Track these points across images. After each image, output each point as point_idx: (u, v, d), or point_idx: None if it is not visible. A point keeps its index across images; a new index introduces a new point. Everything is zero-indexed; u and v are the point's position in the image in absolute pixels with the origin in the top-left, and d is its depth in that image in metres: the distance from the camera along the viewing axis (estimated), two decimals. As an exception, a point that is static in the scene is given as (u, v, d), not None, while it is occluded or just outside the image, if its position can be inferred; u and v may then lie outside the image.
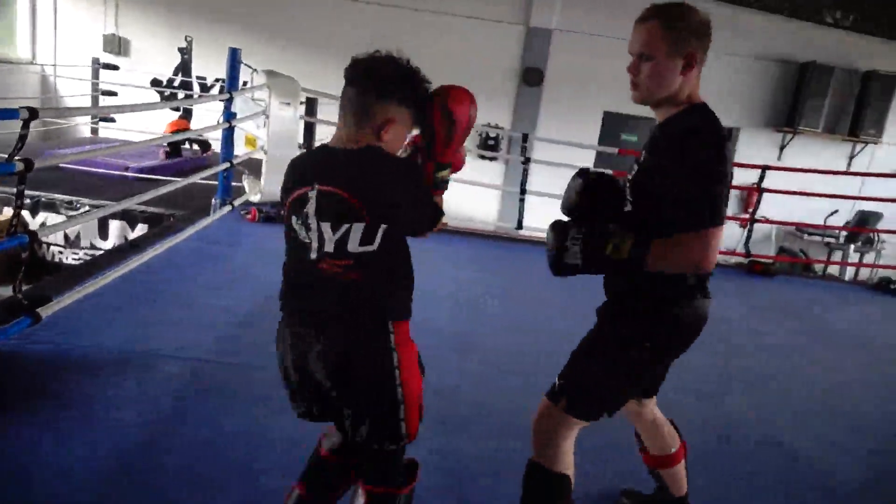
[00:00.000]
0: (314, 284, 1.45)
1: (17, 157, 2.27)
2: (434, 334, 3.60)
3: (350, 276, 1.42)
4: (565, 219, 1.71)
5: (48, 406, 2.38)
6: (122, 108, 8.17)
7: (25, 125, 2.29)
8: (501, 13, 9.26)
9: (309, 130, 5.98)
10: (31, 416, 2.31)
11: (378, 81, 1.46)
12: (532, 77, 9.28)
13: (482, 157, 9.45)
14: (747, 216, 6.73)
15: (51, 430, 2.24)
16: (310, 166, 1.51)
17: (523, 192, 6.04)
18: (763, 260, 6.19)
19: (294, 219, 1.46)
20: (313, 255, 1.43)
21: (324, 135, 7.22)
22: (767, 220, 7.13)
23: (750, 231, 6.20)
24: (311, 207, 1.42)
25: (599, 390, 1.70)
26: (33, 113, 2.32)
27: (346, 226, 1.39)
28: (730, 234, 9.31)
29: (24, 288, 2.83)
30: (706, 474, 2.45)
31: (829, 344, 4.45)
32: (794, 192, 6.34)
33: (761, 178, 6.00)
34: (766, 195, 8.26)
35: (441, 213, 1.60)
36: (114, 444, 2.22)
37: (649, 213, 1.61)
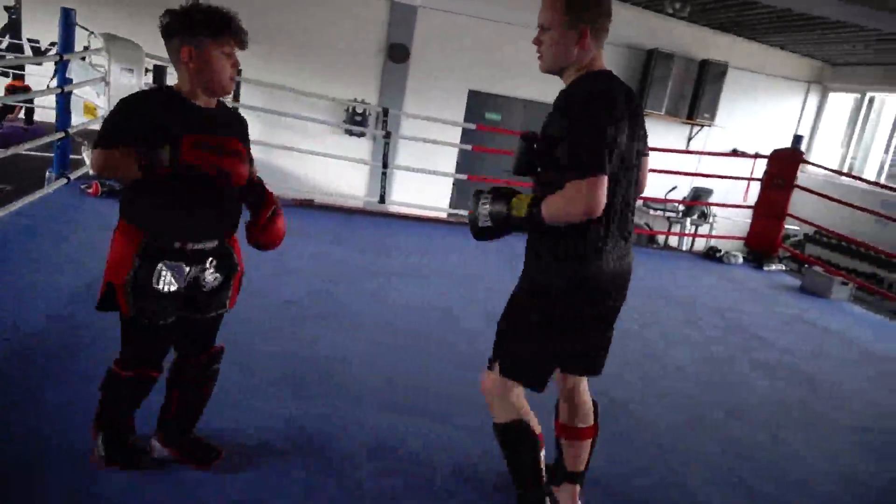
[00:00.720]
0: None
1: None
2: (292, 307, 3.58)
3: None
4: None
5: None
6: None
7: None
8: (365, -13, 9.14)
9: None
10: None
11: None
12: (397, 53, 9.26)
13: (349, 132, 9.34)
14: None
15: None
16: None
17: (385, 165, 6.06)
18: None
19: None
20: None
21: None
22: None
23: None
24: None
25: (521, 349, 1.85)
26: None
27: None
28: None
29: None
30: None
31: (657, 303, 4.90)
32: (637, 169, 6.83)
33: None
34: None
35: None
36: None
37: (549, 171, 1.74)
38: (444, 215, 7.74)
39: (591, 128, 1.64)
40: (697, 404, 3.26)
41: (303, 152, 7.77)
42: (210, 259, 1.93)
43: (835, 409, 3.50)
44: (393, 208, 7.48)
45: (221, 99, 1.95)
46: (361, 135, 9.40)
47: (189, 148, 1.71)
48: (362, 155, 9.26)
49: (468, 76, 9.61)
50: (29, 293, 3.15)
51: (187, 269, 1.87)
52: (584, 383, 2.08)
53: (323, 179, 8.95)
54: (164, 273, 1.83)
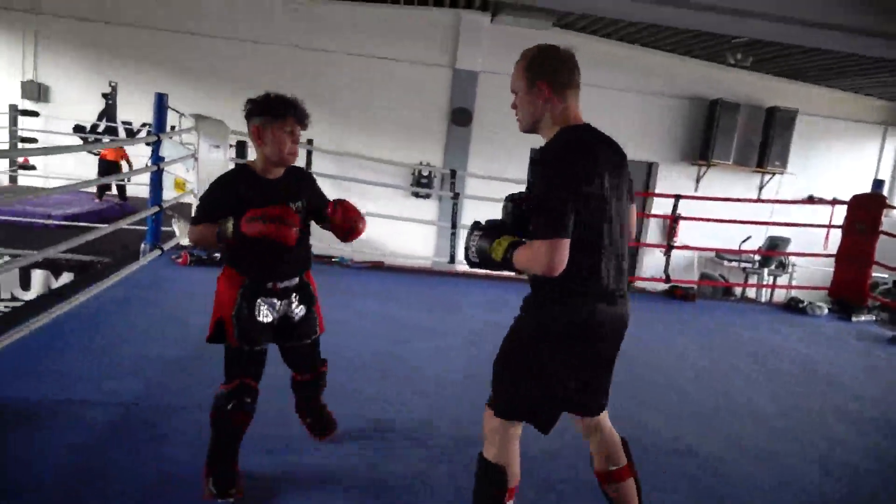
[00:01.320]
0: None
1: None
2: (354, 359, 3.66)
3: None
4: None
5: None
6: (47, 151, 7.99)
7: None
8: (430, 56, 9.57)
9: (240, 173, 5.99)
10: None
11: None
12: (461, 117, 9.57)
13: (416, 195, 9.62)
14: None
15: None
16: None
17: (454, 226, 6.20)
18: (683, 285, 6.52)
19: None
20: None
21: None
22: (684, 247, 7.53)
23: (668, 257, 6.54)
24: None
25: (511, 389, 1.89)
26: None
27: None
28: (654, 262, 9.76)
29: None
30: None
31: (738, 355, 4.73)
32: (707, 220, 6.74)
33: (675, 206, 6.36)
34: (686, 226, 8.76)
35: None
36: (31, 500, 2.16)
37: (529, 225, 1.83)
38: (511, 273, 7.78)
39: (559, 186, 1.72)
40: (785, 460, 3.11)
41: (372, 216, 8.04)
42: (294, 294, 2.41)
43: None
44: (460, 268, 7.59)
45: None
46: (427, 196, 9.66)
47: (245, 222, 2.11)
48: (429, 216, 9.52)
49: (530, 135, 9.79)
50: (128, 361, 3.35)
51: (278, 303, 2.35)
52: (603, 422, 2.05)
53: (392, 242, 9.19)
54: (262, 307, 2.30)
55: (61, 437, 2.54)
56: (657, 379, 4.07)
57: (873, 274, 9.36)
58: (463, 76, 9.59)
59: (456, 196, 6.30)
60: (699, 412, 3.59)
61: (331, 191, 9.01)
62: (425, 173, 9.64)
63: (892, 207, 7.22)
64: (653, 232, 10.41)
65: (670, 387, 3.95)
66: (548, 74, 1.86)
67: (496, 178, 7.33)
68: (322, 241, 7.40)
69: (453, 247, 6.27)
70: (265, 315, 2.31)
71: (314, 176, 2.59)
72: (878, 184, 6.62)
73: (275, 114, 2.23)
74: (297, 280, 2.40)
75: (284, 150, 2.25)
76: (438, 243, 9.52)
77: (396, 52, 9.45)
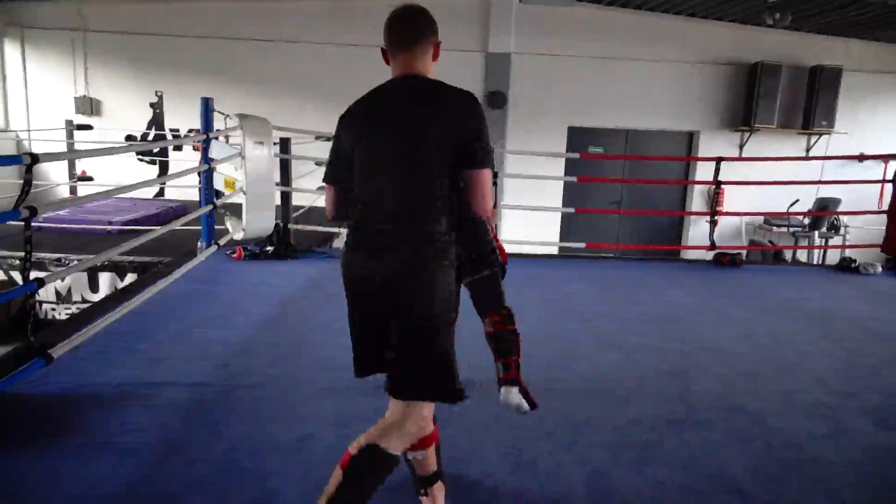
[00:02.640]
0: None
1: (24, 205, 2.46)
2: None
3: None
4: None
5: (65, 438, 2.54)
6: (107, 151, 8.38)
7: (28, 170, 2.49)
8: (460, 42, 9.62)
9: (285, 168, 6.20)
10: (49, 447, 2.47)
11: None
12: (496, 100, 9.62)
13: (456, 180, 9.74)
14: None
15: (70, 458, 2.40)
16: None
17: (495, 205, 6.28)
18: (729, 251, 6.47)
19: None
20: None
21: (299, 171, 7.46)
22: (728, 213, 7.46)
23: (712, 225, 6.49)
24: None
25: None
26: (34, 158, 2.52)
27: None
28: (699, 232, 9.65)
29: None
30: (678, 442, 2.68)
31: (789, 316, 4.70)
32: (750, 182, 6.66)
33: (716, 170, 6.29)
34: (731, 193, 8.65)
35: None
36: (131, 465, 2.38)
37: None
38: (555, 250, 7.84)
39: (334, 139, 1.96)
40: (838, 413, 3.12)
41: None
42: None
43: None
44: (506, 248, 7.67)
45: None
46: (468, 181, 9.78)
47: None
48: (470, 200, 9.62)
49: (566, 113, 9.79)
50: (196, 349, 3.59)
51: None
52: (390, 402, 1.93)
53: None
54: None
55: (152, 414, 2.77)
56: (703, 342, 4.11)
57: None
58: (496, 59, 9.62)
59: (496, 175, 6.36)
60: (748, 371, 3.62)
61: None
62: (464, 158, 9.75)
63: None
64: (696, 201, 10.26)
65: (717, 349, 3.99)
66: (384, 41, 1.96)
67: (536, 152, 7.37)
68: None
69: (496, 227, 6.35)
70: None
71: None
72: (928, 136, 6.41)
73: None
74: None
75: None
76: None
77: (429, 40, 9.56)
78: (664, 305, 4.96)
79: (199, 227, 5.59)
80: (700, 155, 9.83)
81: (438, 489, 2.15)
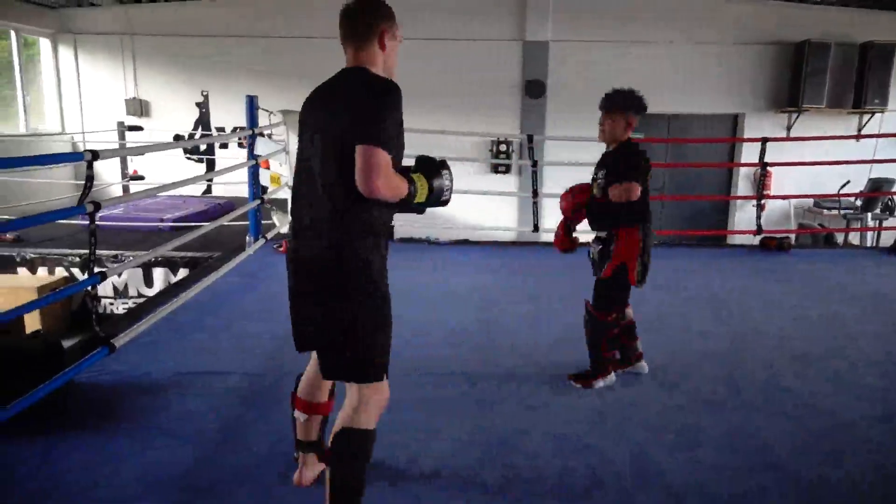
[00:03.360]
0: None
1: (87, 200, 2.61)
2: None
3: None
4: None
5: (126, 424, 2.69)
6: (156, 147, 8.66)
7: (90, 166, 2.63)
8: (498, 32, 9.62)
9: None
10: (112, 433, 2.61)
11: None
12: (534, 89, 9.58)
13: (495, 169, 9.76)
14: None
15: (130, 443, 2.55)
16: None
17: (535, 194, 6.28)
18: (776, 235, 6.33)
19: None
20: None
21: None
22: (775, 196, 7.29)
23: (758, 208, 6.36)
24: None
25: None
26: (95, 154, 2.66)
27: None
28: (746, 216, 9.44)
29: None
30: (719, 421, 2.68)
31: (839, 300, 4.59)
32: (798, 163, 6.49)
33: (762, 152, 6.15)
34: (779, 176, 8.44)
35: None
36: (185, 453, 2.51)
37: None
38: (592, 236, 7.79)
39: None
40: (887, 394, 3.07)
41: (455, 193, 8.24)
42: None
43: None
44: (545, 237, 7.67)
45: None
46: (507, 171, 9.77)
47: None
48: (509, 189, 9.62)
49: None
50: (247, 340, 3.72)
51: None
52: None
53: (475, 218, 9.37)
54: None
55: (205, 402, 2.91)
56: (750, 325, 4.06)
57: None
58: (533, 48, 9.57)
59: (535, 164, 6.37)
60: (797, 355, 3.58)
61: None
62: (503, 149, 9.74)
63: None
64: (742, 185, 10.04)
65: (765, 332, 3.94)
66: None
67: (574, 138, 7.27)
68: (405, 223, 7.68)
69: (536, 215, 6.35)
70: None
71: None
72: None
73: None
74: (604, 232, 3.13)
75: None
76: (520, 215, 9.62)
77: (468, 31, 9.55)
78: (710, 290, 4.91)
79: (247, 223, 5.76)
80: (747, 136, 9.60)
81: (311, 459, 2.26)
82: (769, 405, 2.94)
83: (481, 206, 9.25)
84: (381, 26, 1.96)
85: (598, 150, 3.22)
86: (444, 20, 9.53)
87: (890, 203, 8.70)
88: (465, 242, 6.78)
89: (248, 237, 5.64)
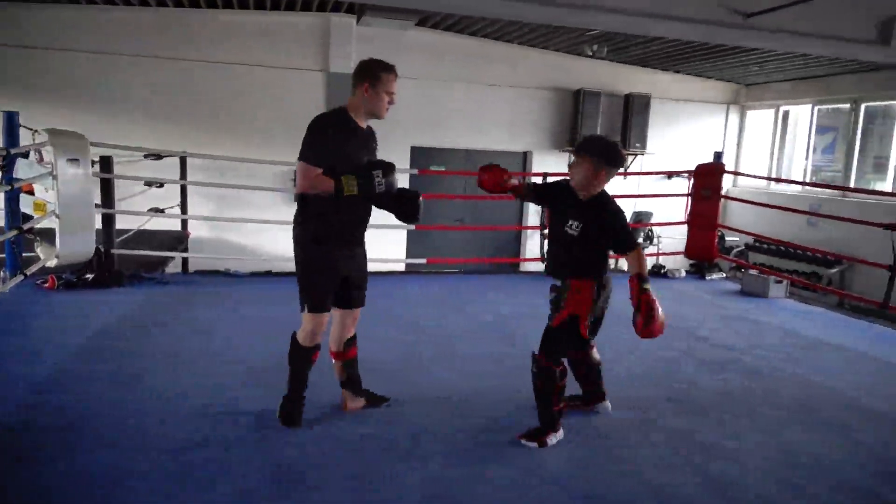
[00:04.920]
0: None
1: None
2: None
3: None
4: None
5: None
6: None
7: None
8: (302, 61, 9.56)
9: (106, 188, 5.75)
10: None
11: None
12: (338, 120, 9.62)
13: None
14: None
15: None
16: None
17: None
18: (559, 262, 6.97)
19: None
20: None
21: (127, 192, 6.95)
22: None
23: (542, 239, 6.96)
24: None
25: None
26: None
27: None
28: (534, 246, 10.25)
29: None
30: (509, 443, 2.84)
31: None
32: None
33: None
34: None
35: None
36: None
37: None
38: (401, 266, 7.96)
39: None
40: (647, 403, 3.47)
41: (252, 222, 7.99)
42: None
43: (770, 392, 3.76)
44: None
45: None
46: (312, 201, 9.66)
47: None
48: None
49: (408, 133, 10.00)
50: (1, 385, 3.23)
51: None
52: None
53: (279, 248, 9.09)
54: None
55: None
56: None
57: (728, 237, 10.34)
58: (337, 79, 9.64)
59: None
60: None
61: (204, 201, 8.76)
62: (307, 178, 9.62)
63: (730, 173, 7.98)
64: (533, 216, 10.92)
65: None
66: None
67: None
68: (206, 252, 7.17)
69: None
70: None
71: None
72: (717, 155, 7.35)
73: None
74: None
75: None
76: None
77: (271, 59, 9.35)
78: (498, 314, 5.22)
79: (2, 255, 5.04)
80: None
81: (349, 394, 3.15)
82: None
83: (287, 236, 9.02)
84: (364, 83, 2.88)
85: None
86: (248, 46, 9.26)
87: (650, 234, 10.00)
88: (269, 274, 6.55)
89: (2, 273, 4.93)
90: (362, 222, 2.96)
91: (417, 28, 9.63)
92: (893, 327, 5.50)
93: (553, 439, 2.92)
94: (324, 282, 2.85)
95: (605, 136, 3.00)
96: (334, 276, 2.87)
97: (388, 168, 2.79)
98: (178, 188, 8.23)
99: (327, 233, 2.83)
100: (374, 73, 2.84)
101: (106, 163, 5.75)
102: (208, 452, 2.66)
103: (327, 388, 3.19)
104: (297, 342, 2.93)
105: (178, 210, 8.01)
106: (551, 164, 10.60)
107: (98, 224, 5.48)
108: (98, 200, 5.62)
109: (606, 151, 2.86)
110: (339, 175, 2.71)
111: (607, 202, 2.92)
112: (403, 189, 2.91)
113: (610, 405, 3.30)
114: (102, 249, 5.52)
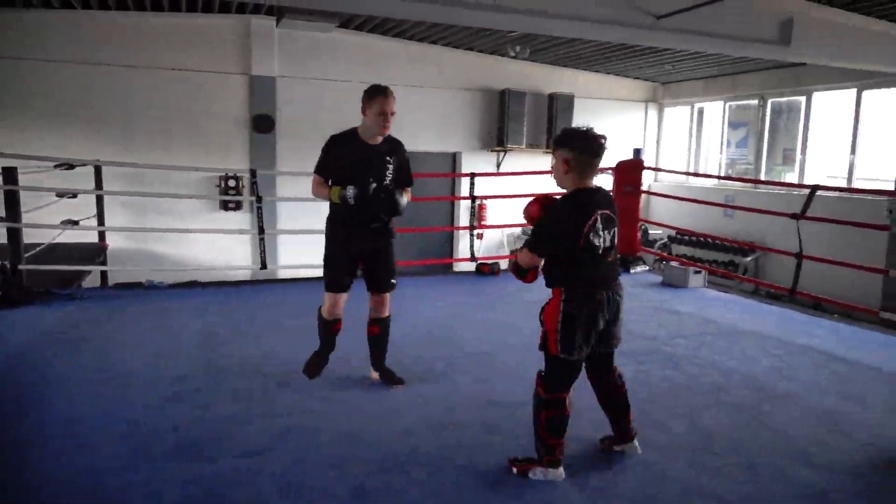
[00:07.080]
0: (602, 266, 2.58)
1: None
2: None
3: (616, 257, 2.66)
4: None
5: None
6: None
7: None
8: (224, 65, 9.30)
9: (11, 200, 5.42)
10: None
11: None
12: (263, 124, 9.42)
13: (225, 206, 9.34)
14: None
15: None
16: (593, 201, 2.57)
17: (261, 230, 6.11)
18: (488, 262, 7.07)
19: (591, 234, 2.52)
20: (600, 251, 2.56)
21: (35, 204, 6.57)
22: (485, 226, 8.13)
23: (472, 238, 7.05)
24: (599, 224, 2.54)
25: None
26: None
27: (613, 230, 2.60)
28: (465, 245, 10.33)
29: None
30: (440, 443, 2.84)
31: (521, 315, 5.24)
32: (502, 196, 7.33)
33: (472, 185, 6.85)
34: (494, 208, 9.42)
35: None
36: None
37: None
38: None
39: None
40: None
41: (180, 232, 7.73)
42: None
43: (690, 377, 3.92)
44: (283, 273, 7.52)
45: None
46: (238, 207, 9.42)
47: None
48: (244, 227, 9.28)
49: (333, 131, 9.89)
50: None
51: None
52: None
53: (207, 257, 8.84)
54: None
55: None
56: (467, 347, 4.40)
57: (652, 231, 10.72)
58: (260, 82, 9.44)
59: (259, 199, 6.22)
60: (504, 370, 3.94)
61: (123, 210, 8.46)
62: (232, 185, 9.38)
63: (650, 168, 8.24)
64: (464, 217, 11.00)
65: (480, 353, 4.30)
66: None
67: (305, 173, 7.30)
68: (125, 265, 6.89)
69: (263, 252, 6.17)
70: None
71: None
72: (637, 151, 7.60)
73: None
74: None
75: None
76: (254, 253, 9.33)
77: (191, 62, 9.06)
78: (430, 316, 5.24)
79: None
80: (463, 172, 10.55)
81: (374, 374, 3.71)
82: (482, 421, 3.19)
83: (213, 245, 8.79)
84: (363, 106, 3.42)
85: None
86: (167, 49, 8.93)
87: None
88: (193, 284, 6.34)
89: None
90: (373, 218, 3.40)
91: (340, 30, 9.55)
92: (801, 311, 5.84)
93: (538, 474, 2.58)
94: (336, 260, 3.42)
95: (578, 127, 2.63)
96: (345, 255, 3.42)
97: (364, 187, 3.30)
98: (93, 198, 7.88)
99: (338, 216, 3.44)
100: (367, 97, 3.35)
101: (10, 173, 5.43)
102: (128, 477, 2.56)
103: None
104: (321, 315, 3.53)
105: (94, 221, 7.66)
106: (481, 165, 10.73)
107: (3, 239, 5.17)
108: (2, 213, 5.31)
109: (560, 135, 2.63)
110: (330, 185, 3.38)
111: (559, 204, 2.59)
112: (380, 189, 3.35)
113: (638, 445, 2.86)
114: (8, 266, 5.22)
